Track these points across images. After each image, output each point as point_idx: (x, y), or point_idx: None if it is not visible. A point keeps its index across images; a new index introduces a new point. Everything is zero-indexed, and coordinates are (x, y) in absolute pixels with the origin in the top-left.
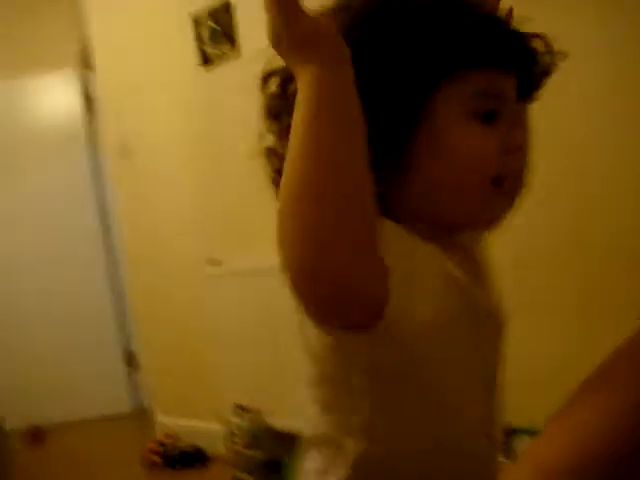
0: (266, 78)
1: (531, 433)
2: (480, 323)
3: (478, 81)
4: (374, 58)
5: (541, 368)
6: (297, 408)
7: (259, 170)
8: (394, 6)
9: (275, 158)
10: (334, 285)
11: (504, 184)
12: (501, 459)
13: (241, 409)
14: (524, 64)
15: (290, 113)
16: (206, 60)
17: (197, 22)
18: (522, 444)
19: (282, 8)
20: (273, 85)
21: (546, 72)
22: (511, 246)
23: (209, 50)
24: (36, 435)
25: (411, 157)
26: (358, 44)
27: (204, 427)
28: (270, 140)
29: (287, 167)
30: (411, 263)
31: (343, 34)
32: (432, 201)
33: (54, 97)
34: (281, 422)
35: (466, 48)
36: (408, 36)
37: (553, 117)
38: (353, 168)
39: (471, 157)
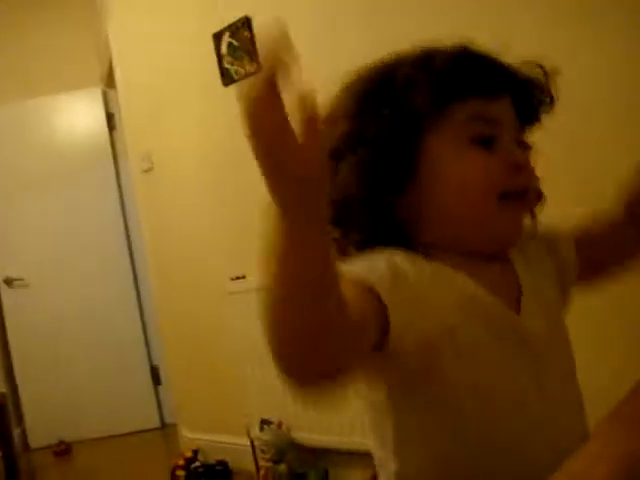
0: None
1: None
2: (506, 341)
3: (467, 109)
4: (371, 118)
5: None
6: (321, 422)
7: None
8: (386, 72)
9: None
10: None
11: (514, 199)
12: None
13: (266, 423)
14: (513, 89)
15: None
16: (226, 76)
17: (217, 39)
18: None
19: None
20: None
21: (543, 95)
22: None
23: (229, 66)
24: (62, 450)
25: (422, 194)
26: (362, 107)
27: (228, 442)
28: None
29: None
30: (414, 287)
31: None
32: (451, 230)
33: (80, 114)
34: (305, 436)
35: (444, 86)
36: (393, 87)
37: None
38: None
39: (473, 179)
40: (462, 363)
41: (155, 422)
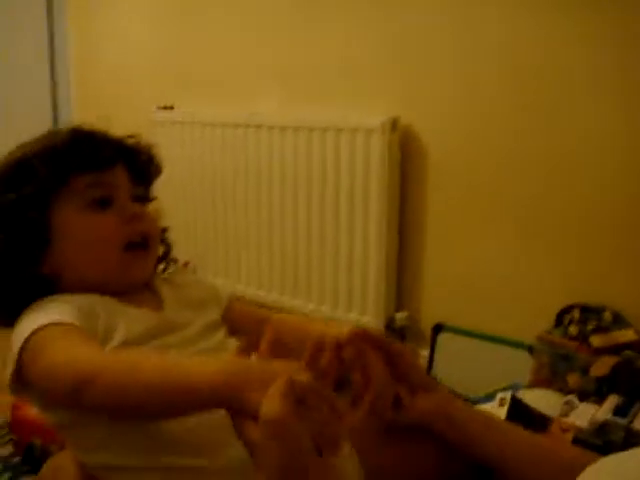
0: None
1: (456, 331)
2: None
3: (85, 180)
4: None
5: (468, 272)
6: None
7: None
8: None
9: None
10: None
11: (138, 247)
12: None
13: None
14: (125, 157)
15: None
16: None
17: None
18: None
19: None
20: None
21: (148, 160)
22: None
23: None
24: None
25: (58, 257)
26: None
27: None
28: None
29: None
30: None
31: None
32: (88, 282)
33: None
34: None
35: (63, 164)
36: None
37: None
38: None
39: (94, 236)
40: None
41: None
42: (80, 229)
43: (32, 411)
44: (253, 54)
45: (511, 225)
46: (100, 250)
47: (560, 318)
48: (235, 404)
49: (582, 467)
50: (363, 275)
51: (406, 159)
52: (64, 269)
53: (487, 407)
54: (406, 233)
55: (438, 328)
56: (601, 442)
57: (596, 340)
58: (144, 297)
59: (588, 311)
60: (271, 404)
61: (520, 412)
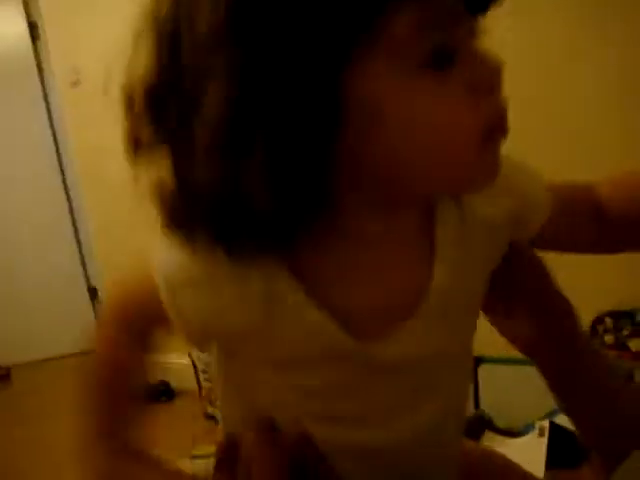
0: None
1: (496, 361)
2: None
3: (406, 23)
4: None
5: None
6: None
7: None
8: None
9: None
10: None
11: (498, 132)
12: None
13: None
14: None
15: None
16: None
17: None
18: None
19: None
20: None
21: None
22: None
23: None
24: (1, 375)
25: (352, 145)
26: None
27: (171, 362)
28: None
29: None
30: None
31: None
32: (393, 187)
33: None
34: None
35: None
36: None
37: None
38: None
39: (444, 126)
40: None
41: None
42: (412, 107)
43: None
44: None
45: None
46: (446, 144)
47: (594, 329)
48: None
49: None
50: None
51: None
52: (363, 169)
53: (527, 438)
54: None
55: (478, 361)
56: None
57: (635, 344)
58: (404, 245)
59: (620, 316)
60: None
61: (561, 438)
